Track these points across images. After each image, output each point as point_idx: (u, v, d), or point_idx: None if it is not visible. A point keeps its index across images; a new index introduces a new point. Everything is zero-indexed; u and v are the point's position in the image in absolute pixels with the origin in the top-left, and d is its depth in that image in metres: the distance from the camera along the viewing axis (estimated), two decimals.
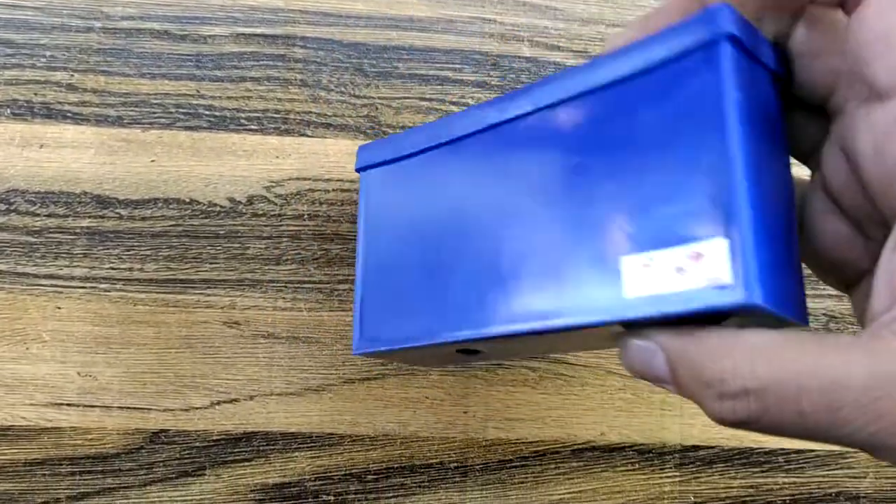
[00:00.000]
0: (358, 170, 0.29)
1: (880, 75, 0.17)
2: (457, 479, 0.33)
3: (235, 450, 0.33)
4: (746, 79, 0.20)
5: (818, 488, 0.34)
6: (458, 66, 0.34)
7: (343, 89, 0.34)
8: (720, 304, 0.18)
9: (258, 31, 0.34)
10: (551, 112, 0.23)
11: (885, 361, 0.16)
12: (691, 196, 0.19)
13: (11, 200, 0.33)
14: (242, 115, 0.34)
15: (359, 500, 0.33)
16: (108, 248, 0.33)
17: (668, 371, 0.19)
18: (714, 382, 0.18)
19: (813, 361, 0.16)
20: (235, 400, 0.33)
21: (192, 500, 0.33)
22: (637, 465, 0.34)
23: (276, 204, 0.34)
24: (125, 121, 0.34)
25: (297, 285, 0.33)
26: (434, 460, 0.33)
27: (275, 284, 0.33)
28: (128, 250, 0.33)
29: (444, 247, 0.25)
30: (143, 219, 0.33)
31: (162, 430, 0.33)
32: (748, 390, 0.17)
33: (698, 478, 0.34)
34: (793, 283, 0.20)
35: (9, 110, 0.34)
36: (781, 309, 0.19)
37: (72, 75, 0.34)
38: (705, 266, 0.19)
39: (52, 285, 0.33)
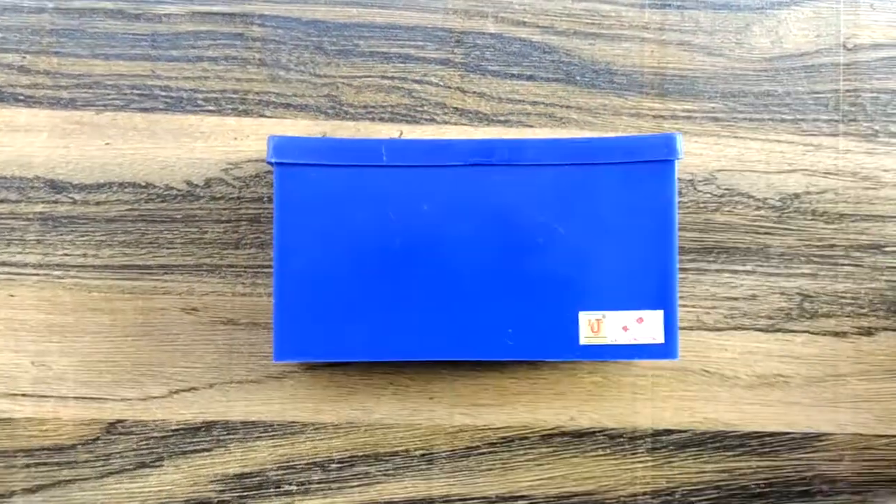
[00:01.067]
0: (274, 163, 0.29)
1: None
2: (422, 466, 0.33)
3: (195, 440, 0.32)
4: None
5: (794, 471, 0.33)
6: (420, 43, 0.34)
7: (303, 68, 0.33)
8: (656, 357, 0.29)
9: (215, 8, 0.33)
10: (525, 170, 0.29)
11: None
12: (641, 276, 0.29)
13: None
14: (199, 95, 0.33)
15: (322, 490, 0.32)
16: (61, 234, 0.32)
17: None
18: None
19: None
20: (194, 388, 0.32)
21: (150, 491, 0.32)
22: (608, 450, 0.33)
23: (234, 187, 0.33)
24: (78, 103, 0.33)
25: (256, 270, 0.33)
26: (399, 448, 0.33)
27: (234, 269, 0.33)
28: (82, 236, 0.32)
29: (379, 267, 0.29)
30: (98, 203, 0.32)
31: (119, 421, 0.32)
32: None
33: (671, 462, 0.33)
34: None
35: None
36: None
37: (24, 57, 0.33)
38: (647, 328, 0.29)
39: (4, 273, 0.32)
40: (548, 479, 0.33)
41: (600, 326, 0.29)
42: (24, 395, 0.32)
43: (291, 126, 0.33)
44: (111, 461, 0.32)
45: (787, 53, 0.34)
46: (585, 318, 0.29)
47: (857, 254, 0.33)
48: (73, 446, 0.32)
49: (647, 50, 0.34)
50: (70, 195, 0.32)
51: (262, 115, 0.33)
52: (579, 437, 0.33)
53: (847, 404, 0.32)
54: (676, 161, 0.29)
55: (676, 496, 0.33)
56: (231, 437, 0.32)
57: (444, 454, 0.33)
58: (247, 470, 0.32)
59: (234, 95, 0.33)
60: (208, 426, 0.32)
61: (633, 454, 0.33)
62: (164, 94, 0.33)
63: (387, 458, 0.32)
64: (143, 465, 0.32)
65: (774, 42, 0.34)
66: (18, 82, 0.33)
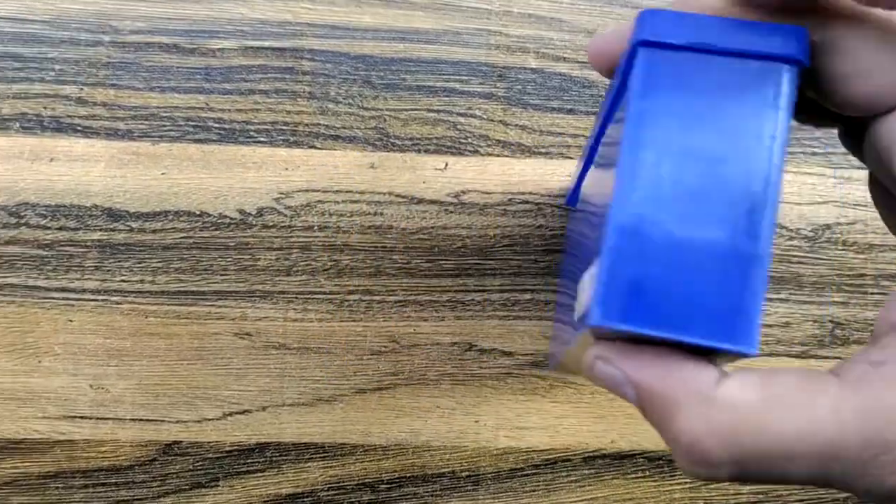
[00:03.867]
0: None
1: None
2: (468, 487, 0.34)
3: (248, 461, 0.33)
4: (669, 76, 0.19)
5: (827, 493, 0.34)
6: (465, 77, 0.35)
7: (351, 101, 0.34)
8: (588, 323, 0.18)
9: (266, 44, 0.34)
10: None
11: (877, 421, 0.15)
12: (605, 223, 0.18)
13: (22, 214, 0.33)
14: (252, 127, 0.34)
15: None
16: (119, 261, 0.33)
17: (637, 405, 0.18)
18: (690, 447, 0.16)
19: (803, 428, 0.15)
20: (247, 411, 0.33)
21: None
22: (647, 472, 0.34)
23: (285, 215, 0.34)
24: (135, 134, 0.34)
25: (307, 296, 0.34)
26: (446, 469, 0.34)
27: (285, 295, 0.34)
28: (139, 263, 0.33)
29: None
30: (154, 231, 0.34)
31: (175, 442, 0.33)
32: (731, 461, 0.16)
33: (708, 484, 0.34)
34: (701, 305, 0.17)
35: (18, 124, 0.34)
36: (659, 330, 0.17)
37: (81, 89, 0.34)
38: (592, 287, 0.18)
39: (63, 298, 0.33)
40: (590, 500, 0.34)
41: (581, 291, 0.21)
42: (82, 417, 0.33)
43: (341, 157, 0.34)
44: (167, 482, 0.33)
45: None
46: (582, 283, 0.21)
47: (886, 282, 0.34)
48: (131, 467, 0.33)
49: None
50: (127, 223, 0.33)
51: (312, 147, 0.34)
52: (620, 460, 0.34)
53: None
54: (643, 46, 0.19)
55: None
56: (283, 458, 0.33)
57: (489, 475, 0.34)
58: (298, 490, 0.33)
59: (285, 127, 0.34)
60: (261, 447, 0.33)
61: (672, 476, 0.34)
62: (217, 125, 0.34)
63: (434, 479, 0.34)
64: (198, 486, 0.33)
65: None
66: (76, 113, 0.34)
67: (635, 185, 0.18)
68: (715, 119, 0.18)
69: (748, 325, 0.16)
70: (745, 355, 0.17)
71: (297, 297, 0.34)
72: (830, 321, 0.34)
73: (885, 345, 0.16)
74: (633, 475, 0.34)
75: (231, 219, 0.34)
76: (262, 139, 0.34)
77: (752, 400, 0.16)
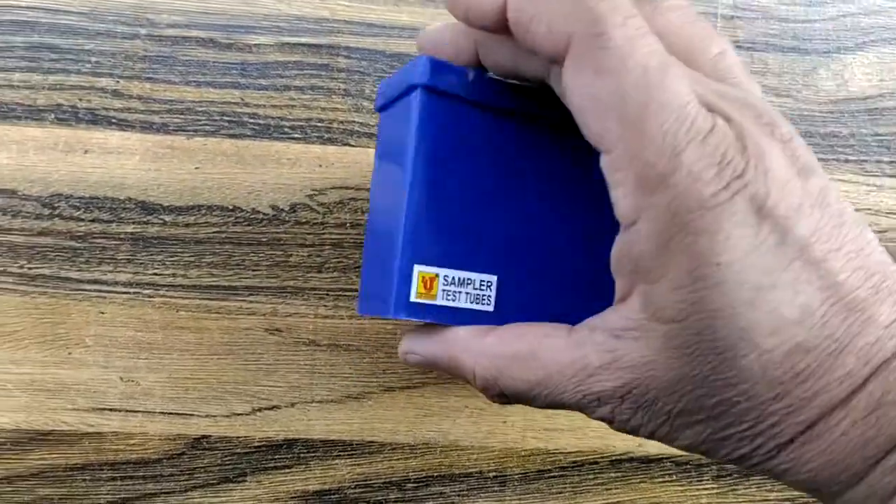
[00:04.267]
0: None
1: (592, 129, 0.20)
2: (495, 488, 0.34)
3: (276, 456, 0.33)
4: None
5: None
6: None
7: None
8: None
9: (303, 40, 0.34)
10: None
11: (581, 367, 0.21)
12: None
13: (55, 205, 0.33)
14: (286, 123, 0.34)
15: None
16: (151, 254, 0.33)
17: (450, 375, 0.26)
18: (482, 391, 0.23)
19: (537, 369, 0.22)
20: (276, 407, 0.33)
21: None
22: (675, 477, 0.34)
23: (318, 212, 0.34)
24: (170, 128, 0.34)
25: (338, 293, 0.34)
26: (473, 469, 0.34)
27: (316, 292, 0.34)
28: (171, 256, 0.33)
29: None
30: (187, 225, 0.34)
31: (204, 436, 0.33)
32: (504, 394, 0.23)
33: (735, 490, 0.34)
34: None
35: (53, 115, 0.34)
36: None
37: (117, 81, 0.34)
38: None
39: (95, 290, 0.33)
40: (616, 503, 0.34)
41: None
42: (111, 409, 0.33)
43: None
44: (195, 476, 0.33)
45: (852, 96, 0.35)
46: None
47: None
48: (159, 460, 0.33)
49: None
50: (160, 216, 0.33)
51: (346, 144, 0.34)
52: (647, 464, 0.34)
53: None
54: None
55: None
56: (311, 454, 0.33)
57: (516, 476, 0.34)
58: (326, 487, 0.33)
59: (320, 124, 0.34)
60: (290, 444, 0.33)
61: (699, 481, 0.34)
62: (252, 121, 0.34)
63: (461, 479, 0.34)
64: (226, 480, 0.33)
65: (840, 85, 0.35)
66: (112, 106, 0.34)
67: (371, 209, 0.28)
68: (399, 145, 0.24)
69: (391, 301, 0.24)
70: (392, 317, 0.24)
71: (328, 294, 0.34)
72: None
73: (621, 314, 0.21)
74: (660, 479, 0.34)
75: (264, 214, 0.34)
76: (296, 136, 0.34)
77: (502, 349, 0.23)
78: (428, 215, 0.24)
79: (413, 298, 0.24)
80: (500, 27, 0.21)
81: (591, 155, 0.21)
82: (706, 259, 0.18)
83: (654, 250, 0.18)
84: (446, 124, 0.24)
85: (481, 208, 0.25)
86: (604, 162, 0.19)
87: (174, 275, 0.33)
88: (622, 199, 0.19)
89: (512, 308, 0.25)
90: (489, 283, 0.25)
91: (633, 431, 0.21)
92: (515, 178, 0.25)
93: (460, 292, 0.25)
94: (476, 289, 0.25)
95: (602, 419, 0.21)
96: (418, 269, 0.24)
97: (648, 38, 0.19)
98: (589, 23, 0.19)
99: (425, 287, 0.24)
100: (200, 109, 0.34)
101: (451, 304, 0.25)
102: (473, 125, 0.24)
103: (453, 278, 0.25)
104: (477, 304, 0.25)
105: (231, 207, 0.34)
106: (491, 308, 0.25)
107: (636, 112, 0.18)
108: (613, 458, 0.34)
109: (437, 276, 0.24)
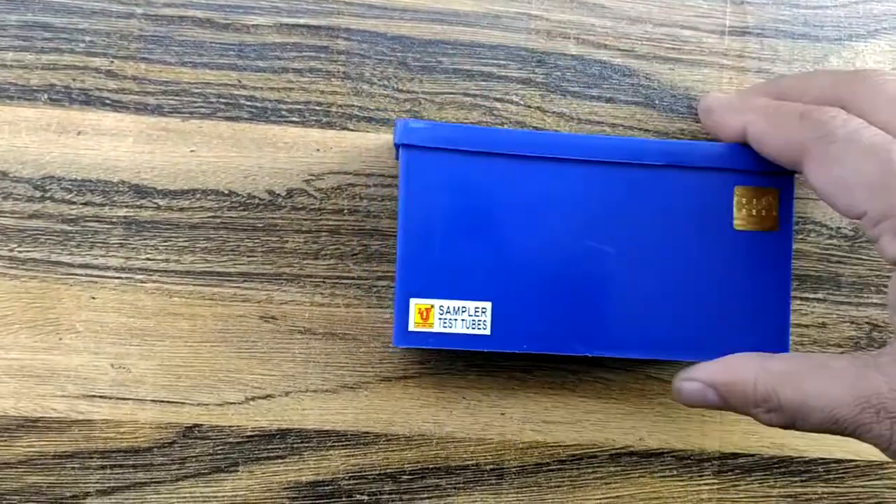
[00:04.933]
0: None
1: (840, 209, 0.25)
2: (492, 481, 0.33)
3: (269, 446, 0.33)
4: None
5: (857, 499, 0.33)
6: (502, 62, 0.34)
7: (386, 83, 0.34)
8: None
9: (301, 21, 0.34)
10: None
11: (865, 387, 0.23)
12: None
13: (47, 187, 0.33)
14: (284, 106, 0.33)
15: (393, 501, 0.33)
16: (144, 239, 0.33)
17: (721, 400, 0.27)
18: (760, 403, 0.25)
19: (818, 384, 0.24)
20: (270, 396, 0.33)
21: (224, 496, 0.32)
22: (675, 472, 0.33)
23: (315, 198, 0.33)
24: (165, 109, 0.33)
25: (335, 281, 0.33)
26: (470, 462, 0.33)
27: (313, 279, 0.33)
28: (165, 241, 0.33)
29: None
30: (181, 209, 0.33)
31: (195, 425, 0.32)
32: (780, 407, 0.25)
33: (737, 486, 0.33)
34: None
35: (46, 95, 0.33)
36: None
37: (111, 62, 0.33)
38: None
39: (86, 275, 0.32)
40: (615, 498, 0.33)
41: None
42: (102, 396, 0.32)
43: (374, 139, 0.33)
44: (186, 465, 0.32)
45: None
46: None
47: None
48: (150, 449, 0.32)
49: (725, 77, 0.34)
50: (154, 200, 0.33)
51: (344, 128, 0.33)
52: (647, 458, 0.33)
53: None
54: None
55: None
56: (305, 445, 0.33)
57: (513, 469, 0.33)
58: (319, 478, 0.33)
59: (318, 108, 0.33)
60: (283, 434, 0.33)
61: (700, 476, 0.33)
62: (249, 103, 0.33)
63: (457, 471, 0.33)
64: (218, 470, 0.32)
65: None
66: (106, 86, 0.33)
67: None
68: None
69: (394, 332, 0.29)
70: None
71: (324, 282, 0.33)
72: (868, 323, 0.34)
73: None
74: (661, 474, 0.33)
75: (260, 199, 0.33)
76: (294, 119, 0.33)
77: (787, 367, 0.25)
78: (419, 252, 0.28)
79: (412, 328, 0.28)
80: (743, 142, 0.29)
81: (578, 182, 0.28)
82: None
83: None
84: (430, 174, 0.28)
85: (472, 241, 0.28)
86: (863, 225, 0.24)
87: (167, 260, 0.33)
88: (888, 245, 0.23)
89: (509, 331, 0.28)
90: (483, 310, 0.28)
91: None
92: (504, 212, 0.28)
93: (456, 319, 0.28)
94: (471, 315, 0.28)
95: (878, 438, 0.23)
96: (414, 302, 0.28)
97: (871, 128, 0.24)
98: (816, 129, 0.25)
99: (422, 317, 0.28)
100: (196, 91, 0.33)
101: (448, 330, 0.28)
102: (457, 171, 0.28)
103: (448, 307, 0.28)
104: (473, 329, 0.28)
105: (226, 192, 0.33)
106: (487, 332, 0.28)
107: (877, 176, 0.23)
108: (613, 451, 0.33)
109: (432, 306, 0.28)
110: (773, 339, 0.29)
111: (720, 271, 0.29)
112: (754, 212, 0.28)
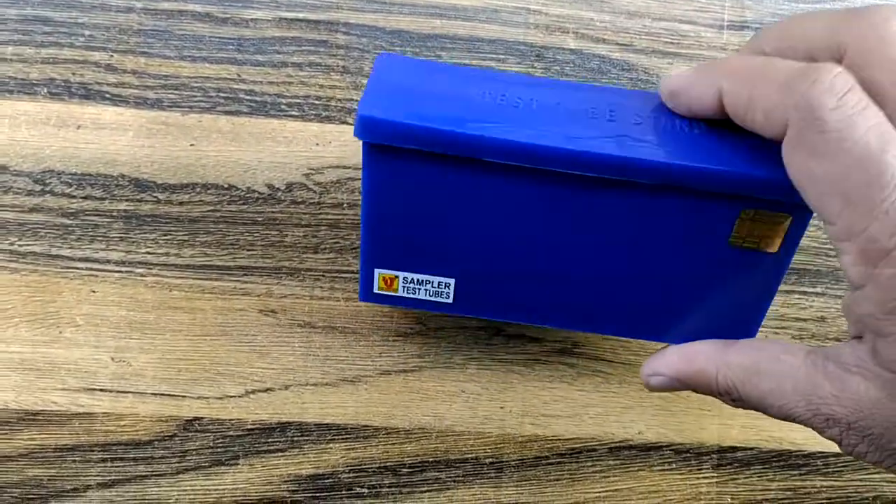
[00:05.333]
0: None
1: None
2: (492, 474, 0.33)
3: (269, 440, 0.33)
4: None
5: (856, 492, 0.33)
6: (501, 56, 0.34)
7: None
8: None
9: (301, 15, 0.34)
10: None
11: (814, 393, 0.22)
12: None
13: (47, 181, 0.33)
14: (283, 101, 0.33)
15: (393, 494, 0.33)
16: (144, 233, 0.33)
17: (688, 388, 0.26)
18: (723, 394, 0.25)
19: (773, 382, 0.23)
20: (270, 389, 0.33)
21: (224, 489, 0.32)
22: (674, 465, 0.33)
23: (315, 192, 0.33)
24: (164, 104, 0.33)
25: (334, 274, 0.33)
26: (469, 455, 0.33)
27: (312, 273, 0.33)
28: (165, 235, 0.33)
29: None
30: (181, 203, 0.33)
31: (196, 418, 0.33)
32: (741, 399, 0.25)
33: (735, 479, 0.33)
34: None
35: (46, 89, 0.33)
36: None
37: (111, 56, 0.33)
38: None
39: (87, 269, 0.33)
40: (614, 492, 0.33)
41: None
42: (102, 390, 0.32)
43: None
44: (187, 458, 0.32)
45: None
46: None
47: None
48: (150, 442, 0.32)
49: None
50: (154, 194, 0.33)
51: (344, 122, 0.33)
52: (646, 451, 0.33)
53: None
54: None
55: None
56: (305, 438, 0.33)
57: (513, 463, 0.33)
58: (319, 471, 0.33)
59: (318, 102, 0.34)
60: (283, 427, 0.33)
61: (699, 470, 0.33)
62: (248, 97, 0.33)
63: (457, 464, 0.33)
64: (218, 463, 0.32)
65: None
66: (105, 80, 0.33)
67: None
68: None
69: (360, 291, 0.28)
70: None
71: (323, 276, 0.33)
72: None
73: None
74: (659, 467, 0.33)
75: (259, 193, 0.33)
76: (293, 113, 0.33)
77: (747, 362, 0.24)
78: (383, 234, 0.26)
79: (376, 290, 0.28)
80: (723, 114, 0.23)
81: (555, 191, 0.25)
82: None
83: (881, 313, 0.20)
84: (391, 167, 0.25)
85: (436, 224, 0.26)
86: (829, 231, 0.21)
87: (167, 254, 0.33)
88: (850, 266, 0.21)
89: (471, 301, 0.28)
90: (447, 284, 0.27)
91: (860, 457, 0.22)
92: (467, 201, 0.26)
93: (419, 288, 0.28)
94: (434, 287, 0.27)
95: (832, 440, 0.22)
96: (379, 272, 0.27)
97: (868, 112, 0.19)
98: (802, 109, 0.20)
99: (386, 284, 0.28)
100: (196, 85, 0.33)
101: (412, 296, 0.28)
102: (417, 165, 0.25)
103: (412, 279, 0.27)
104: (436, 297, 0.28)
105: (226, 186, 0.33)
106: (450, 301, 0.28)
107: (857, 192, 0.20)
108: (612, 445, 0.33)
109: (396, 277, 0.27)
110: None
111: (699, 270, 0.26)
112: (756, 232, 0.25)
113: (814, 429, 0.23)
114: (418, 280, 0.27)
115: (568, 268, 0.27)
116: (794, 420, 0.23)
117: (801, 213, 0.24)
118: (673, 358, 0.26)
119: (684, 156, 0.23)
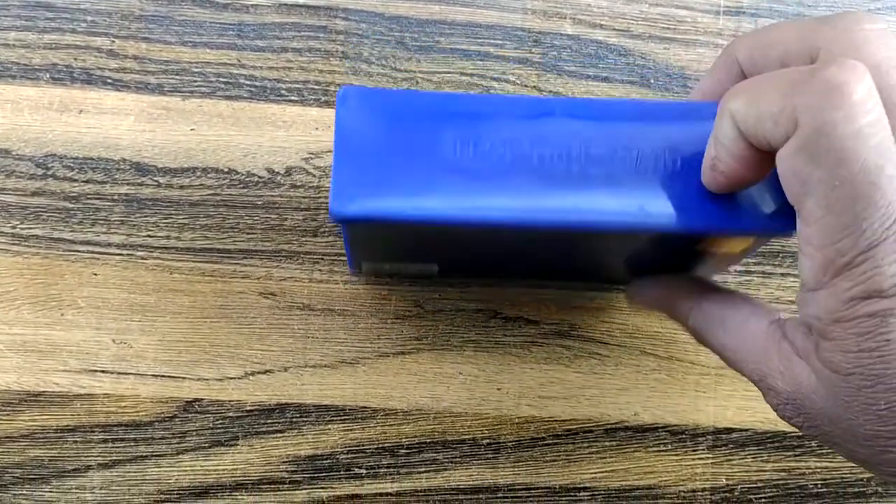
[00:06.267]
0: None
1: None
2: (489, 455, 0.33)
3: (269, 421, 0.33)
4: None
5: (850, 473, 0.34)
6: (499, 41, 0.34)
7: (384, 62, 0.34)
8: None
9: (300, 1, 0.34)
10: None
11: (767, 367, 0.23)
12: None
13: (49, 165, 0.33)
14: (283, 85, 0.34)
15: (391, 474, 0.33)
16: (145, 216, 0.33)
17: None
18: (692, 334, 0.27)
19: (735, 340, 0.25)
20: (270, 371, 0.33)
21: (224, 469, 0.33)
22: (670, 446, 0.34)
23: (314, 176, 0.34)
24: (165, 88, 0.33)
25: (333, 258, 0.33)
26: (467, 436, 0.33)
27: (311, 256, 0.33)
28: (165, 218, 0.33)
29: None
30: (182, 187, 0.33)
31: (196, 400, 0.33)
32: (706, 345, 0.27)
33: (731, 460, 0.34)
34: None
35: (48, 74, 0.33)
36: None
37: (112, 41, 0.34)
38: None
39: (88, 251, 0.33)
40: (610, 472, 0.33)
41: None
42: (103, 371, 0.33)
43: None
44: (187, 439, 0.33)
45: None
46: None
47: None
48: (151, 423, 0.33)
49: None
50: (155, 178, 0.33)
51: None
52: (642, 433, 0.34)
53: None
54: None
55: (735, 493, 0.33)
56: (304, 419, 0.33)
57: (510, 444, 0.33)
58: (318, 452, 0.33)
59: (317, 87, 0.34)
60: (282, 408, 0.33)
61: (694, 451, 0.34)
62: (248, 83, 0.34)
63: (454, 445, 0.33)
64: (218, 444, 0.33)
65: None
66: (107, 66, 0.34)
67: None
68: None
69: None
70: None
71: (323, 259, 0.33)
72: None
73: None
74: (655, 448, 0.34)
75: (259, 177, 0.33)
76: (293, 98, 0.34)
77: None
78: (364, 248, 0.28)
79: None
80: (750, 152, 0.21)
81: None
82: (874, 336, 0.20)
83: (829, 320, 0.20)
84: (368, 225, 0.23)
85: (417, 244, 0.27)
86: (800, 229, 0.21)
87: (168, 237, 0.33)
88: (808, 269, 0.21)
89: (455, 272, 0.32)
90: (431, 268, 0.30)
91: (797, 428, 0.24)
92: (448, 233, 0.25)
93: (404, 269, 0.31)
94: (419, 268, 0.31)
95: (770, 405, 0.24)
96: (365, 264, 0.30)
97: (878, 125, 0.19)
98: (814, 113, 0.19)
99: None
100: (196, 70, 0.34)
101: (397, 273, 0.32)
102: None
103: (397, 266, 0.31)
104: (421, 272, 0.32)
105: (226, 170, 0.33)
106: (435, 271, 0.31)
107: (841, 205, 0.19)
108: (608, 426, 0.34)
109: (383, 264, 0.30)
110: None
111: (665, 258, 0.28)
112: (722, 244, 0.25)
113: (759, 390, 0.24)
114: (403, 265, 0.30)
115: (543, 259, 0.30)
116: (742, 375, 0.25)
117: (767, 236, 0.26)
118: (655, 291, 0.29)
119: (680, 217, 0.23)
